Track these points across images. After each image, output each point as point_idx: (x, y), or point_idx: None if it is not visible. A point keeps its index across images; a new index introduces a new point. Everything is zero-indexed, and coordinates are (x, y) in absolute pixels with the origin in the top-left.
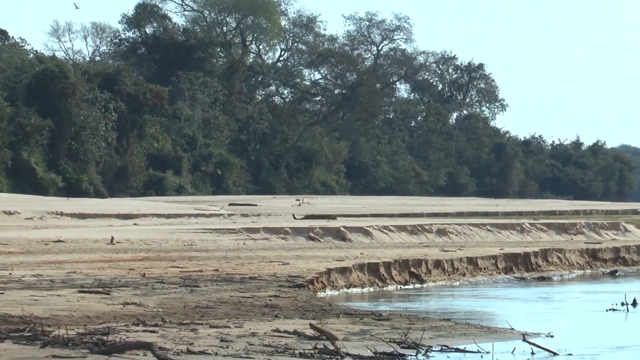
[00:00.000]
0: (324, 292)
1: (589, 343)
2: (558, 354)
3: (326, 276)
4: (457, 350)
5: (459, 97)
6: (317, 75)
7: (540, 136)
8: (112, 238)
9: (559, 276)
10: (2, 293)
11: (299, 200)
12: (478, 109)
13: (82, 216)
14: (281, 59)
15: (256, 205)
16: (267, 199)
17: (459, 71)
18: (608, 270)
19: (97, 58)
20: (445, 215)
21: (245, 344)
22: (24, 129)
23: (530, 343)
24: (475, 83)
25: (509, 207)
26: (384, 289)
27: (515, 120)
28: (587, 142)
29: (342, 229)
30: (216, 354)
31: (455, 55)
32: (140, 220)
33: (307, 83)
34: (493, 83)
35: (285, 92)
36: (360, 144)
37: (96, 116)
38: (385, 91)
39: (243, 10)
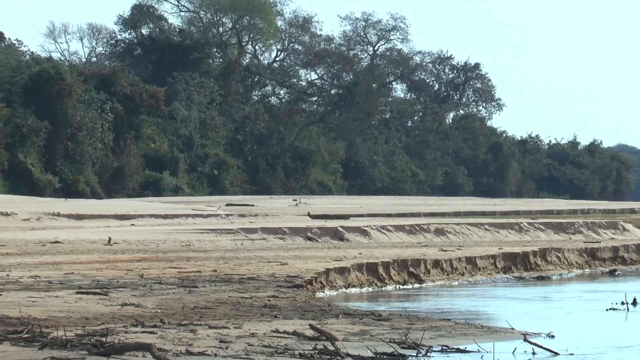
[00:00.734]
0: (323, 292)
1: (590, 343)
2: (559, 354)
3: (325, 276)
4: (458, 350)
5: (456, 97)
6: (314, 76)
7: (537, 135)
8: (110, 239)
9: (558, 275)
10: (0, 294)
11: (296, 200)
12: (475, 109)
13: (79, 217)
14: (277, 59)
15: (253, 205)
16: (264, 199)
17: (455, 71)
18: (607, 270)
19: (93, 59)
20: (443, 215)
21: (245, 344)
22: (20, 130)
23: (531, 343)
24: (471, 83)
25: (506, 206)
26: (383, 289)
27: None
28: (584, 141)
29: (339, 229)
30: (215, 354)
31: (451, 55)
32: (138, 221)
33: (304, 83)
34: (489, 83)
35: (282, 92)
36: (357, 144)
37: (92, 117)
38: (382, 91)
39: (239, 10)
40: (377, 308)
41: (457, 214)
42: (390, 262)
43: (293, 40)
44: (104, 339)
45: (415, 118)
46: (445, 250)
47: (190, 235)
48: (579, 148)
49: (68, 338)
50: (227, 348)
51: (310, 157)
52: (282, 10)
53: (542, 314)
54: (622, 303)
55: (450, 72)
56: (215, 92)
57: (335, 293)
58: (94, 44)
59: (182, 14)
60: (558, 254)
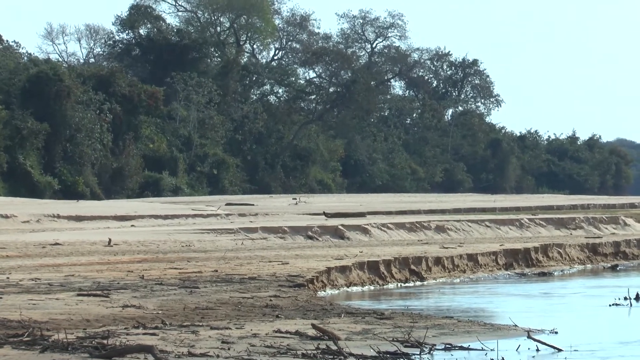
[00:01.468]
0: (324, 291)
1: (594, 339)
2: (563, 350)
3: (326, 275)
4: (462, 348)
5: (454, 94)
6: (312, 74)
7: (536, 131)
8: (110, 240)
9: (560, 271)
10: (0, 297)
11: (295, 199)
12: (473, 105)
13: (78, 218)
14: (275, 58)
15: (253, 205)
16: (263, 199)
17: (453, 67)
18: (609, 265)
19: (91, 60)
20: (443, 212)
21: (247, 345)
22: (20, 132)
23: (535, 340)
24: (470, 79)
25: (506, 202)
26: (385, 287)
27: (510, 116)
28: (583, 136)
29: (340, 227)
30: (218, 356)
31: (449, 51)
32: (138, 222)
33: (302, 82)
34: (488, 79)
35: (280, 91)
36: (356, 141)
37: (91, 118)
38: (380, 89)
39: (236, 9)
40: (379, 306)
41: (457, 211)
42: (391, 260)
43: (291, 38)
44: (105, 342)
45: (414, 115)
46: (447, 248)
47: (190, 236)
48: (578, 143)
49: (69, 341)
50: (229, 349)
51: (309, 156)
52: (279, 8)
53: (544, 311)
54: (625, 298)
55: (448, 69)
56: (214, 91)
57: (336, 292)
58: (91, 44)
59: (180, 13)
60: (559, 249)
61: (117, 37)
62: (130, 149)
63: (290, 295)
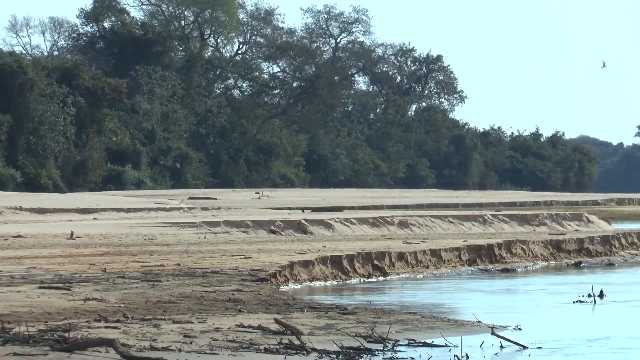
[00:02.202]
0: (287, 285)
1: (558, 336)
2: (527, 347)
3: (289, 269)
4: (425, 344)
5: (418, 89)
6: (276, 69)
7: (499, 127)
8: (72, 233)
9: (523, 268)
10: None
11: (258, 193)
12: (437, 101)
13: (41, 211)
14: (239, 52)
15: (216, 199)
16: (226, 193)
17: (417, 63)
18: (572, 262)
19: (55, 53)
20: (406, 207)
21: (209, 339)
22: None
23: (499, 336)
24: (433, 75)
25: (469, 198)
26: (347, 282)
27: (474, 112)
28: (546, 133)
29: (303, 222)
30: (180, 350)
31: (413, 47)
32: (100, 215)
33: (266, 76)
34: (452, 75)
35: (244, 85)
36: (319, 136)
37: (55, 111)
38: (344, 84)
39: (201, 3)
40: (342, 301)
41: (420, 206)
42: (354, 255)
43: (255, 33)
44: (66, 335)
45: (378, 110)
46: (410, 243)
47: (153, 229)
48: (542, 140)
49: (30, 333)
50: (191, 343)
51: (272, 150)
52: (244, 2)
53: (508, 307)
54: (589, 295)
55: (412, 65)
56: (178, 85)
57: (299, 286)
58: (56, 37)
59: (144, 7)
60: (523, 246)
61: (81, 30)
62: (94, 142)
63: (252, 289)
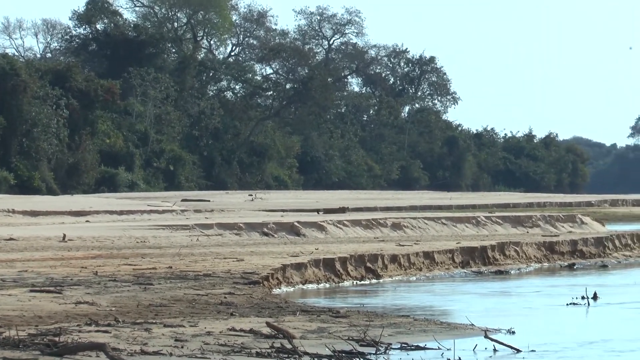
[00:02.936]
0: (280, 288)
1: (551, 339)
2: (521, 351)
3: (281, 272)
4: (418, 347)
5: (411, 91)
6: (269, 70)
7: (492, 129)
8: (64, 236)
9: (517, 270)
10: None
11: (251, 195)
12: (430, 102)
13: (33, 214)
14: (232, 54)
15: (209, 201)
16: (219, 195)
17: (410, 64)
18: (566, 264)
19: (48, 55)
20: (399, 209)
21: (201, 343)
22: None
23: (492, 340)
24: (427, 76)
25: (463, 200)
26: (340, 284)
27: (467, 113)
28: (540, 134)
29: (296, 224)
30: (171, 354)
31: (406, 48)
32: (93, 217)
33: (259, 78)
34: (445, 76)
35: (237, 87)
36: (313, 138)
37: (48, 113)
38: (337, 85)
39: (194, 5)
40: (334, 305)
41: (413, 208)
42: (347, 257)
43: (248, 34)
44: (57, 339)
45: (371, 112)
46: (403, 245)
47: (145, 232)
48: (535, 141)
49: (21, 338)
50: (182, 347)
51: (265, 152)
52: (236, 4)
53: (502, 310)
54: (583, 298)
55: (405, 66)
56: (171, 87)
57: (292, 289)
58: (48, 39)
59: (137, 9)
60: (516, 248)
61: (74, 32)
62: (87, 144)
63: (245, 292)
